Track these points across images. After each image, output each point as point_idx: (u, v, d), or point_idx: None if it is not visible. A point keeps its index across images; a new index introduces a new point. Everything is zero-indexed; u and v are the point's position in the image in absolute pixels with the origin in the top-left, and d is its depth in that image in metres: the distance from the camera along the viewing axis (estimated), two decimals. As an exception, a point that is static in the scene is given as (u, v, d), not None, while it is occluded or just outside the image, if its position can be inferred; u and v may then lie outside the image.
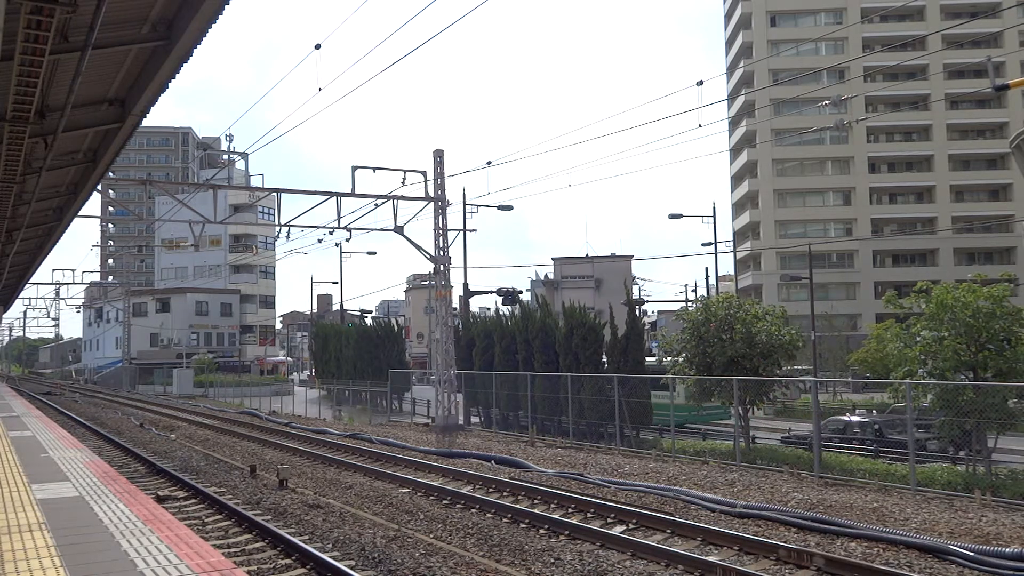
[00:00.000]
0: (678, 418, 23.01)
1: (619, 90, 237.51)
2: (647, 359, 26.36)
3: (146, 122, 11.93)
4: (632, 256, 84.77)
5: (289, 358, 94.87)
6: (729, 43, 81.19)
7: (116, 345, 78.15)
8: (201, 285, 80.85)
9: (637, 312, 26.49)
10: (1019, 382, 14.75)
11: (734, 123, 75.65)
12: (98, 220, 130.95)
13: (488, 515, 13.10)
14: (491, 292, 40.84)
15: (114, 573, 6.30)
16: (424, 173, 27.86)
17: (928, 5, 70.26)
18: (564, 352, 26.06)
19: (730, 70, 78.64)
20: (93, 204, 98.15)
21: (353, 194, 26.67)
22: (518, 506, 13.63)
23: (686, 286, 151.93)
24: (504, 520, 12.69)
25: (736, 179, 78.96)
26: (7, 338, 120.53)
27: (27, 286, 43.16)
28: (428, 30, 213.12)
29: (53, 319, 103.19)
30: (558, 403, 25.14)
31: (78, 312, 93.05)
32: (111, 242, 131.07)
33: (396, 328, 43.53)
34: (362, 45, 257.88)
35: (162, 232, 77.78)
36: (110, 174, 20.90)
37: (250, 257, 79.38)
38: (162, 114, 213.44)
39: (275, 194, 27.12)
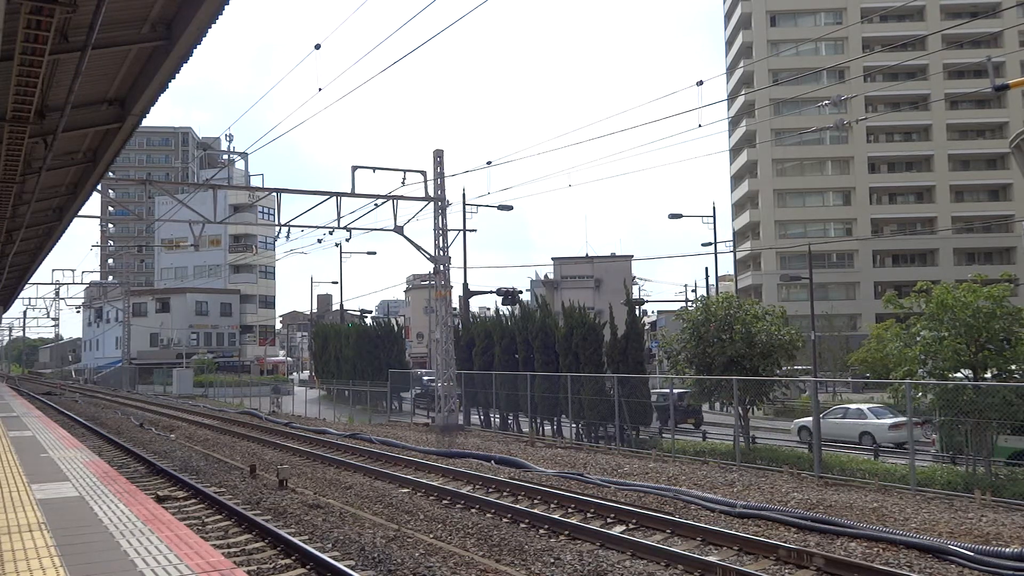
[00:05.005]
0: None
1: (619, 90, 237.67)
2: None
3: (146, 122, 11.94)
4: (632, 256, 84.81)
5: (289, 358, 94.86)
6: (729, 43, 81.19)
7: (116, 345, 78.15)
8: (201, 285, 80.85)
9: (637, 312, 26.49)
10: (1019, 382, 14.75)
11: (734, 123, 75.66)
12: (98, 220, 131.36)
13: (488, 515, 13.10)
14: (491, 292, 40.87)
15: (114, 573, 6.29)
16: (424, 173, 27.88)
17: (928, 5, 70.25)
18: (564, 352, 26.05)
19: (730, 70, 78.63)
20: (93, 204, 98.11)
21: (353, 194, 26.68)
22: (518, 506, 13.62)
23: (686, 286, 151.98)
24: (504, 520, 12.68)
25: (736, 179, 78.97)
26: (7, 338, 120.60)
27: (27, 286, 43.23)
28: (428, 30, 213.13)
29: (53, 319, 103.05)
30: (558, 403, 25.14)
31: (78, 312, 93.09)
32: (111, 242, 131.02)
33: (396, 328, 43.52)
34: (362, 45, 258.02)
35: (162, 232, 77.81)
36: (110, 174, 20.88)
37: (250, 257, 79.39)
38: (162, 114, 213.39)
39: (275, 194, 27.13)
